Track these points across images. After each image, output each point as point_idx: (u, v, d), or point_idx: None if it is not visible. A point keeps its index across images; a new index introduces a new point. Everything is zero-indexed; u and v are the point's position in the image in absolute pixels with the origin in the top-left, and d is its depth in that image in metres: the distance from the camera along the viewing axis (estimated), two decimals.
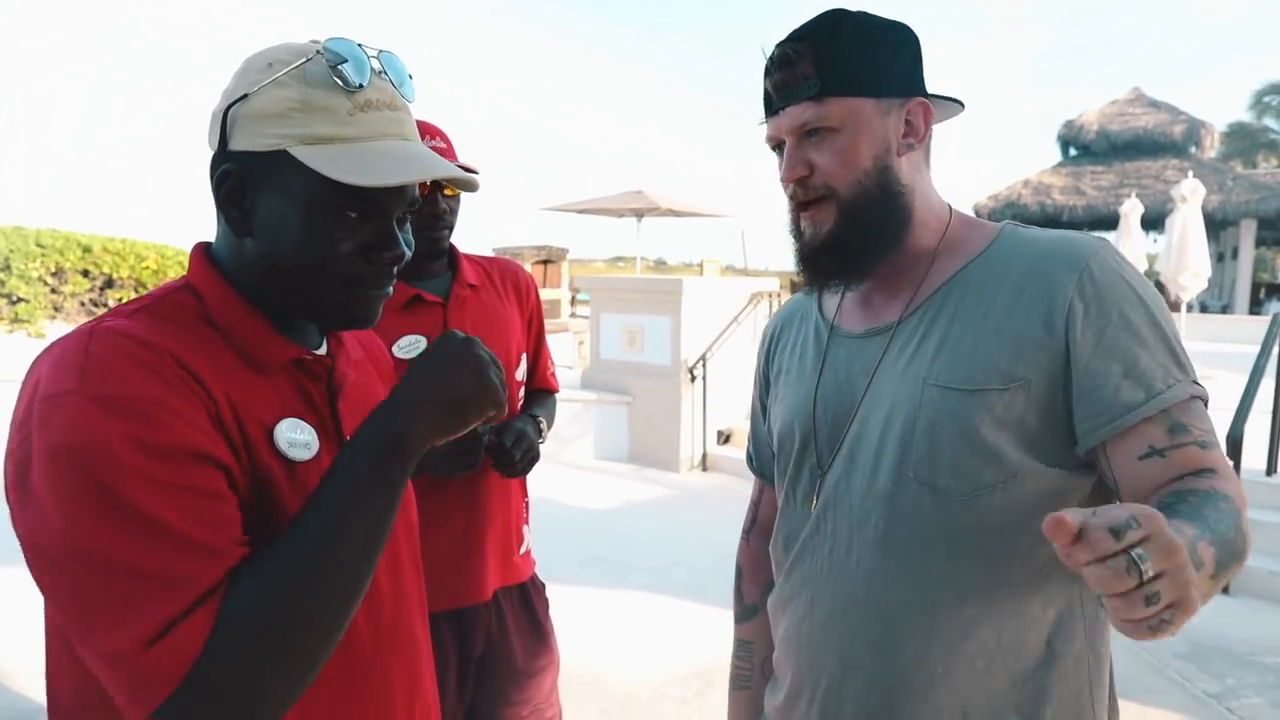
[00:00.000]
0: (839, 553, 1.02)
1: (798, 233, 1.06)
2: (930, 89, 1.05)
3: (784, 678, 1.11)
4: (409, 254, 0.88)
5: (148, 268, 9.95)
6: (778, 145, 1.05)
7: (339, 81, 0.80)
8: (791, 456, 1.11)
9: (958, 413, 0.95)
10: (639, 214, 15.25)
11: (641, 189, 14.45)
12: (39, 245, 9.49)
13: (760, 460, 1.31)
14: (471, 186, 0.90)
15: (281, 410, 0.84)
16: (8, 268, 9.21)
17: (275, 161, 0.80)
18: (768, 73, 1.02)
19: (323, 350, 0.93)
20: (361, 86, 0.81)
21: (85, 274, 9.67)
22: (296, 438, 0.83)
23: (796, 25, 1.02)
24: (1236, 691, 3.26)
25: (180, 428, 0.72)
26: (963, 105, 1.08)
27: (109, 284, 9.80)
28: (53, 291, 9.51)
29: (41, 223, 10.00)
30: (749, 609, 1.32)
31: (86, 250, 9.72)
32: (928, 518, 0.95)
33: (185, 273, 0.88)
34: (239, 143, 0.81)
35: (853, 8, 1.02)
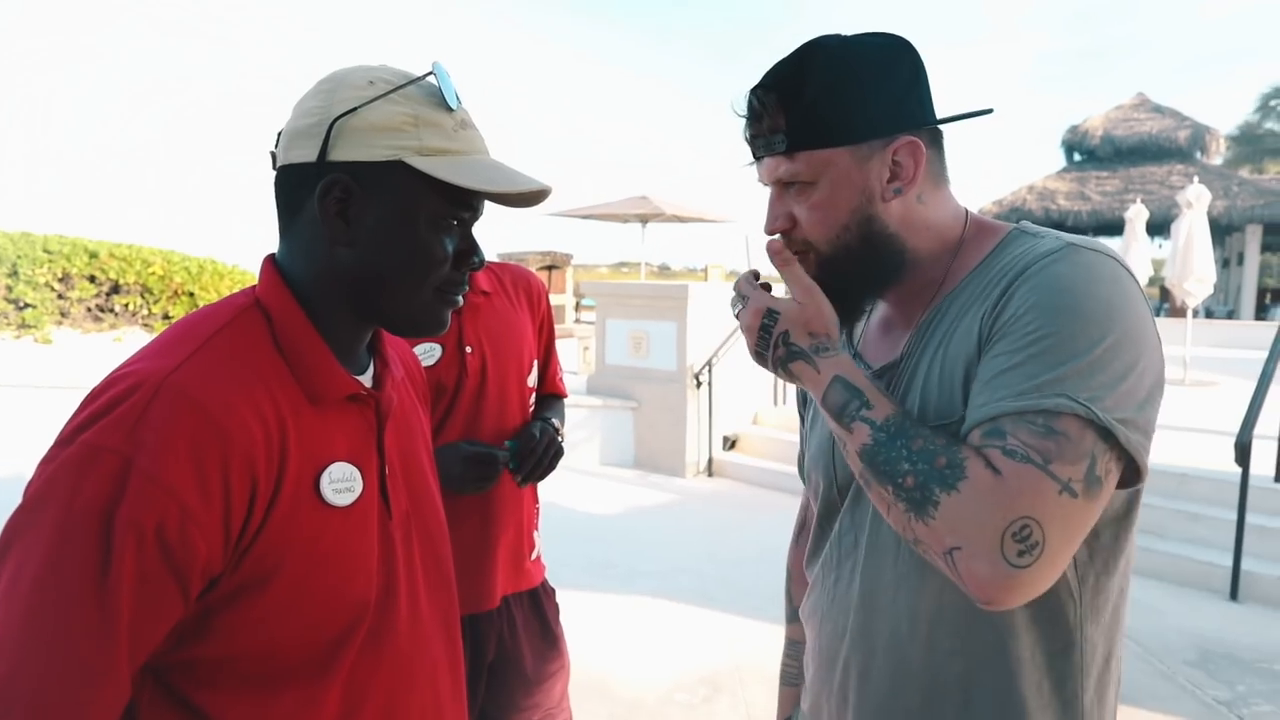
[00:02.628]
0: (842, 583, 1.04)
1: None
2: (937, 101, 0.98)
3: (809, 683, 1.15)
4: (485, 261, 0.95)
5: (154, 273, 9.98)
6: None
7: (443, 101, 0.87)
8: (818, 492, 1.11)
9: None
10: (644, 219, 15.29)
11: (646, 194, 14.49)
12: (46, 251, 9.53)
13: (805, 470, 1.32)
14: (542, 198, 0.94)
15: (331, 452, 0.86)
16: (15, 273, 9.25)
17: (385, 171, 0.84)
18: (744, 122, 0.98)
19: (371, 371, 0.96)
20: (456, 109, 0.88)
21: (92, 279, 9.70)
22: (341, 484, 0.86)
23: (788, 43, 0.98)
24: (1246, 699, 3.25)
25: (195, 543, 0.74)
26: (990, 110, 0.99)
27: (115, 289, 9.83)
28: (59, 297, 9.55)
29: (47, 228, 10.06)
30: (798, 611, 1.30)
31: (93, 256, 9.75)
32: (899, 552, 0.95)
33: (241, 284, 0.91)
34: (345, 153, 0.84)
35: (855, 22, 0.98)
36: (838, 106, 0.92)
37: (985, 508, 0.77)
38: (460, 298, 0.93)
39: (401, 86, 0.86)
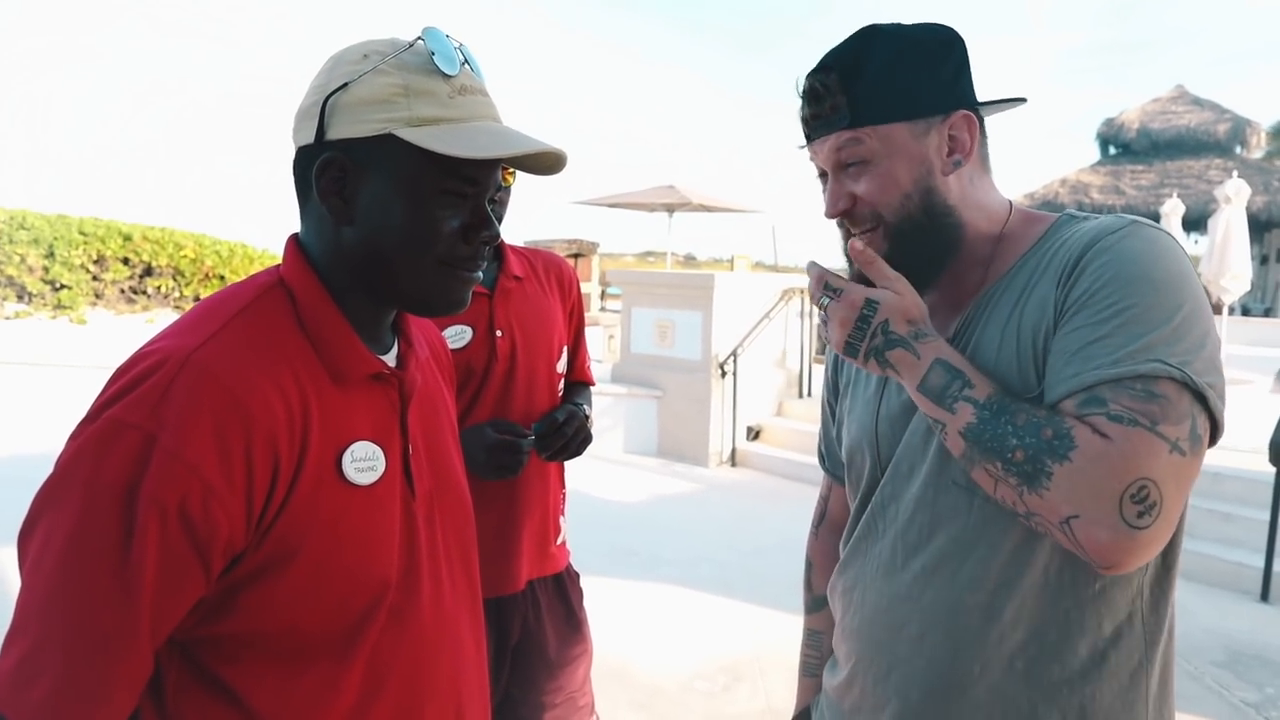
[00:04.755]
0: (886, 554, 1.05)
1: (850, 258, 1.04)
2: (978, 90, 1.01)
3: (842, 663, 1.15)
4: (500, 236, 0.91)
5: (185, 256, 10.12)
6: (822, 172, 1.04)
7: (437, 68, 0.83)
8: (862, 473, 1.12)
9: None
10: (670, 209, 15.24)
11: (673, 184, 14.43)
12: (81, 233, 9.69)
13: (830, 458, 1.32)
14: (561, 164, 0.91)
15: (353, 430, 0.85)
16: (51, 255, 9.41)
17: (379, 146, 0.82)
18: (801, 103, 1.01)
19: (394, 351, 0.95)
20: (455, 73, 0.84)
21: (125, 261, 9.86)
22: (364, 462, 0.85)
23: (819, 36, 0.99)
24: (1276, 701, 3.21)
25: (218, 520, 0.74)
26: (1024, 100, 1.06)
27: (148, 272, 9.99)
28: (94, 279, 9.71)
29: (83, 210, 10.22)
30: (818, 600, 1.32)
31: (127, 238, 9.90)
32: (965, 522, 0.96)
33: (275, 263, 0.91)
34: (339, 131, 0.83)
35: (888, 16, 1.00)
36: (898, 83, 0.96)
37: (1101, 474, 0.79)
38: (478, 274, 0.90)
39: (394, 55, 0.83)
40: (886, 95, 0.95)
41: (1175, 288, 0.86)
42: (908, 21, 1.00)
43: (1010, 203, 1.05)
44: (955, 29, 1.00)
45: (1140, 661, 0.95)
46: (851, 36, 0.97)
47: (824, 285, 0.99)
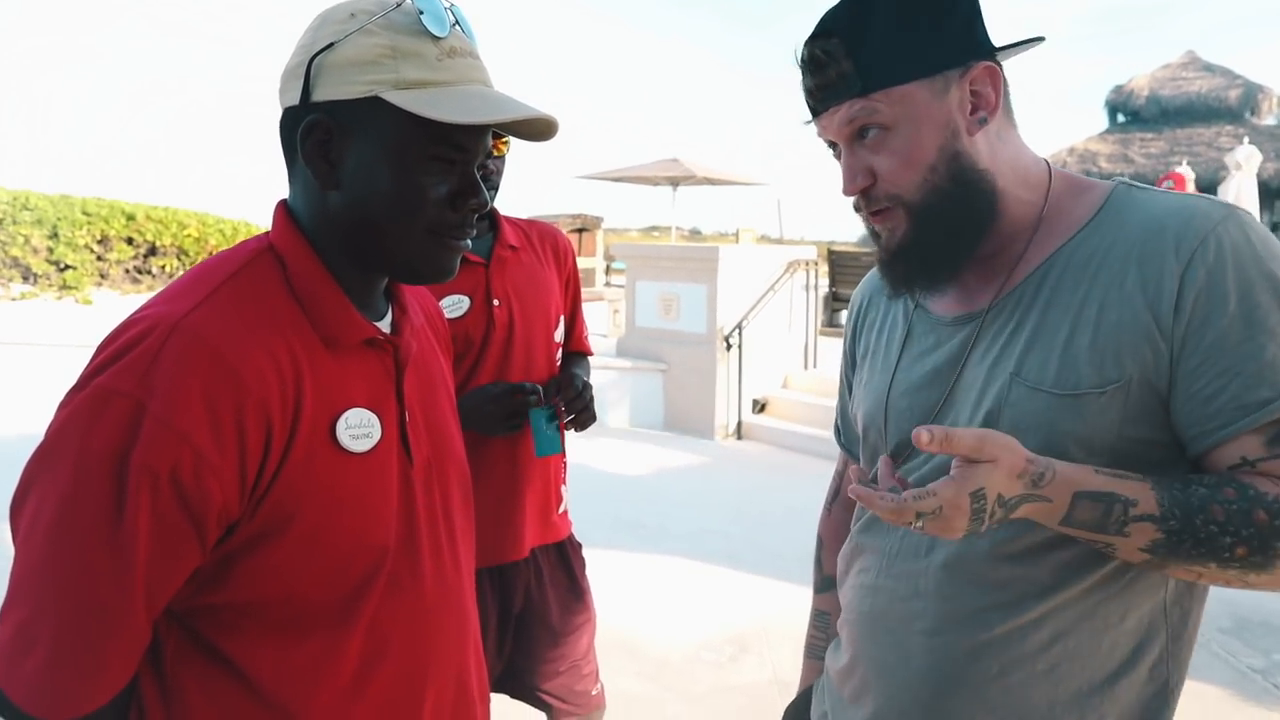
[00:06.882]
0: (910, 540, 0.98)
1: (874, 234, 0.96)
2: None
3: (845, 647, 1.08)
4: (489, 204, 0.88)
5: (190, 235, 10.11)
6: (832, 144, 0.95)
7: (425, 29, 0.80)
8: (877, 449, 1.04)
9: (1044, 417, 0.85)
10: (674, 182, 15.15)
11: (677, 157, 14.33)
12: (85, 213, 9.68)
13: (846, 433, 1.25)
14: (552, 130, 0.88)
15: (348, 397, 0.84)
16: (55, 235, 9.41)
17: (365, 109, 0.80)
18: (803, 74, 0.92)
19: (389, 317, 0.94)
20: (444, 35, 0.82)
21: (129, 241, 9.85)
22: (359, 429, 0.84)
23: (824, 10, 0.91)
24: None
25: (210, 488, 0.73)
26: (1042, 38, 0.96)
27: (152, 251, 9.98)
28: (98, 259, 9.71)
29: (86, 191, 10.22)
30: (828, 580, 1.27)
31: (131, 218, 9.89)
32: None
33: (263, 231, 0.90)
34: (325, 92, 0.80)
35: None
36: (908, 38, 0.87)
37: None
38: (467, 243, 0.88)
39: (382, 15, 0.80)
40: (896, 54, 0.86)
41: None
42: None
43: (1048, 163, 0.96)
44: None
45: (1161, 654, 0.91)
46: None
47: (917, 515, 0.77)
